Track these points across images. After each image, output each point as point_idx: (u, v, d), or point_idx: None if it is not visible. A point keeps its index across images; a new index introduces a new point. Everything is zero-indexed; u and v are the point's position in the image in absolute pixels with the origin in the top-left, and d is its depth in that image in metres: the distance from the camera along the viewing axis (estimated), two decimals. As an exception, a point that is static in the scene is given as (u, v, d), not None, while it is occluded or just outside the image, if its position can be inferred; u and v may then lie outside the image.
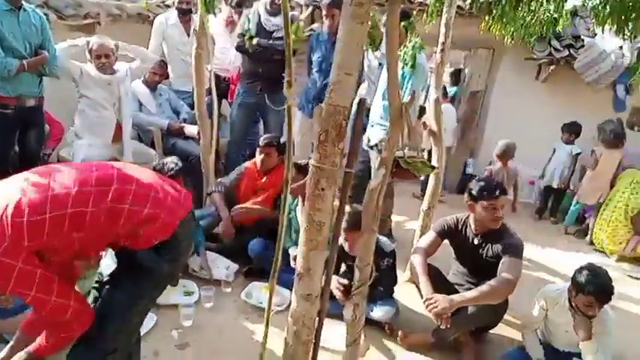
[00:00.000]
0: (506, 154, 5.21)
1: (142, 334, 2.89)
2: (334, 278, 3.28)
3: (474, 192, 3.17)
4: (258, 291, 3.45)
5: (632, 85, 5.43)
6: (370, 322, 3.31)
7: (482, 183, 3.19)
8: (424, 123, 3.87)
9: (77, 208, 1.62)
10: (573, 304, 2.80)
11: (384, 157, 1.44)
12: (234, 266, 3.70)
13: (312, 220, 1.50)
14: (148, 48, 4.89)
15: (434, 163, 3.86)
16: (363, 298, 1.57)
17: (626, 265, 5.03)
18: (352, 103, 1.56)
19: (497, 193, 3.11)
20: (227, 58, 5.64)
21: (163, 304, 3.23)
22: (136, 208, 1.70)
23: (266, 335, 1.55)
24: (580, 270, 2.81)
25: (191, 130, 4.63)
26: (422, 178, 5.48)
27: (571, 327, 2.85)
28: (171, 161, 3.47)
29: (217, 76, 5.53)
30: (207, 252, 3.78)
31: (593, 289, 2.69)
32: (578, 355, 2.88)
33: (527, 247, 4.55)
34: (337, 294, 3.06)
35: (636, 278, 4.78)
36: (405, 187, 6.04)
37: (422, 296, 3.05)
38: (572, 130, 5.86)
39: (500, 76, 6.52)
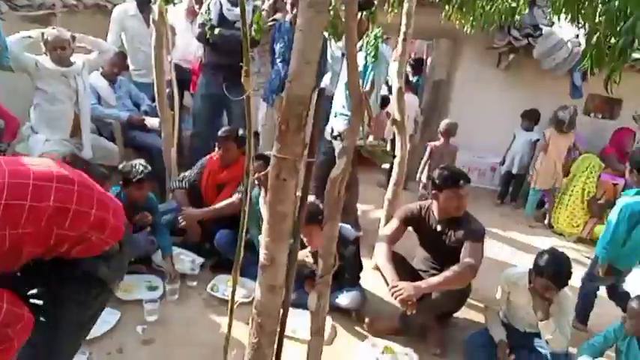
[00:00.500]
0: (448, 132, 5.51)
1: (105, 330, 2.87)
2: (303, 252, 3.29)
3: (437, 181, 3.22)
4: (225, 284, 3.44)
5: (588, 72, 5.59)
6: (337, 310, 3.36)
7: (446, 172, 3.24)
8: (387, 112, 3.90)
9: (13, 200, 1.48)
10: (533, 287, 2.90)
11: (346, 147, 1.44)
12: (200, 259, 3.67)
13: (274, 211, 1.49)
14: (106, 39, 4.76)
15: (397, 151, 3.91)
16: (327, 287, 1.58)
17: (584, 247, 5.21)
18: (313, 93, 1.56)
19: (461, 182, 3.17)
20: (188, 49, 5.56)
21: (127, 299, 3.19)
22: (84, 209, 1.61)
23: (230, 327, 1.54)
24: (541, 254, 2.90)
25: (152, 122, 4.54)
26: (386, 166, 5.55)
27: (532, 308, 2.95)
28: (140, 164, 3.39)
29: (179, 67, 5.44)
30: (173, 247, 3.74)
31: (551, 273, 2.79)
32: (539, 335, 2.99)
33: (489, 232, 4.67)
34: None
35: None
36: (370, 175, 6.09)
37: (387, 283, 3.09)
38: (531, 117, 6.01)
39: (462, 65, 6.62)
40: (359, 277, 3.50)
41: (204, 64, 5.00)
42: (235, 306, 1.72)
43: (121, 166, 3.47)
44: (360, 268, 3.49)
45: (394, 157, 1.43)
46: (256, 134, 5.32)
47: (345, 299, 3.34)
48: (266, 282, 1.55)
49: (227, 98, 4.81)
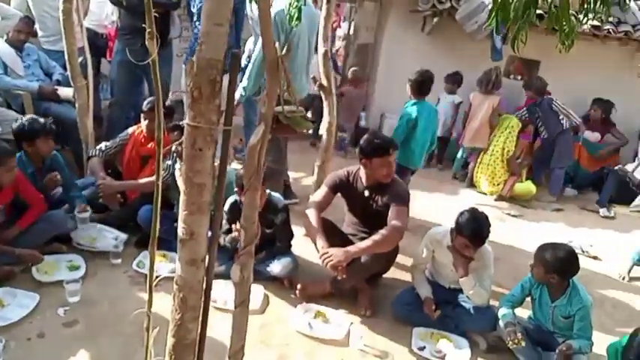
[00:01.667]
0: (356, 78, 6.03)
1: (23, 315, 2.71)
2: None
3: (366, 150, 3.23)
4: (153, 259, 3.32)
5: (508, 35, 5.77)
6: (270, 278, 3.36)
7: (375, 141, 3.25)
8: (314, 77, 3.85)
9: None
10: (453, 246, 3.01)
11: (263, 113, 1.39)
12: (124, 236, 3.52)
13: (191, 183, 1.42)
14: (9, 4, 4.36)
15: (325, 116, 3.89)
16: (250, 257, 1.55)
17: (505, 205, 5.49)
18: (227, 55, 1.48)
19: (390, 150, 3.20)
20: (103, 13, 5.21)
21: (46, 281, 3.02)
22: None
23: (150, 304, 1.48)
24: (462, 214, 3.00)
25: (66, 92, 4.25)
26: (310, 132, 5.57)
27: (453, 265, 3.07)
28: (32, 117, 3.22)
29: (94, 33, 5.10)
30: (94, 223, 3.57)
31: (470, 232, 2.90)
32: (462, 290, 3.13)
33: (416, 194, 4.81)
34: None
35: (513, 216, 5.24)
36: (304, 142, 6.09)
37: (318, 250, 3.11)
38: (453, 80, 6.16)
39: (388, 29, 6.64)
40: (290, 245, 3.49)
41: (120, 29, 4.70)
42: (162, 281, 1.66)
43: (13, 126, 3.29)
44: (291, 235, 3.49)
45: (314, 122, 1.40)
46: (181, 102, 5.11)
47: (276, 267, 3.33)
48: (186, 256, 1.49)
49: (146, 64, 4.56)
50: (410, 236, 3.56)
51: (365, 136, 3.32)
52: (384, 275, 3.55)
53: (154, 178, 3.48)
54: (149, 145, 3.66)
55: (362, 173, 3.35)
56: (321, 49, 3.63)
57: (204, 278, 1.57)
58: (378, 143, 3.21)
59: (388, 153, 3.19)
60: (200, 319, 1.60)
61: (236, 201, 3.28)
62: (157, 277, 1.59)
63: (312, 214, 3.22)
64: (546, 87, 5.82)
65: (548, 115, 5.71)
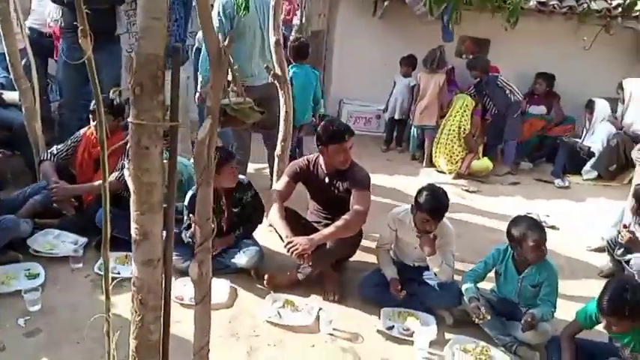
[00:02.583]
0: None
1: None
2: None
3: (322, 137, 3.24)
4: (114, 261, 3.26)
5: (457, 15, 5.85)
6: (236, 271, 3.36)
7: (330, 128, 3.26)
8: (267, 67, 3.82)
9: None
10: (414, 222, 3.07)
11: (209, 106, 1.37)
12: (83, 240, 3.44)
13: (140, 182, 1.40)
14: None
15: (282, 106, 3.87)
16: (208, 253, 1.54)
17: (463, 182, 5.61)
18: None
19: (345, 137, 3.21)
20: (45, 11, 5.01)
21: (4, 292, 2.93)
22: None
23: (108, 308, 1.46)
24: (420, 191, 3.07)
25: (11, 96, 4.10)
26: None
27: (419, 244, 3.13)
28: None
29: (39, 33, 4.92)
30: (51, 230, 3.48)
31: (428, 207, 2.97)
32: (427, 267, 3.20)
33: (377, 177, 4.86)
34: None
35: (472, 192, 5.37)
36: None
37: (282, 240, 3.12)
38: (408, 63, 6.20)
39: (339, 15, 6.63)
40: (262, 219, 3.51)
41: (63, 28, 4.53)
42: (126, 282, 1.63)
43: None
44: (263, 207, 3.49)
45: (262, 113, 1.38)
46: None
47: (242, 259, 3.33)
48: (141, 257, 1.47)
49: (95, 63, 4.43)
50: (373, 218, 3.59)
51: (322, 124, 3.33)
52: (351, 259, 3.60)
53: (110, 179, 3.44)
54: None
55: (321, 160, 3.36)
56: (272, 38, 3.60)
57: (163, 278, 1.55)
58: (334, 130, 3.23)
59: (344, 139, 3.20)
60: (162, 319, 1.59)
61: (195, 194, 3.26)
62: (114, 279, 1.57)
63: (275, 204, 3.23)
64: (489, 64, 5.92)
65: (496, 92, 5.85)
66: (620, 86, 5.88)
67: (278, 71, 3.65)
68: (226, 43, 1.36)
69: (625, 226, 3.67)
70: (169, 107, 1.38)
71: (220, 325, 2.92)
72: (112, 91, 3.57)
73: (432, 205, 2.98)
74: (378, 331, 2.99)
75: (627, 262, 3.66)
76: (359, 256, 3.63)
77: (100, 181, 3.36)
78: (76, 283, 3.15)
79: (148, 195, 1.41)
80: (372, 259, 3.58)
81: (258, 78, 4.06)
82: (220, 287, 3.18)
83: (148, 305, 1.52)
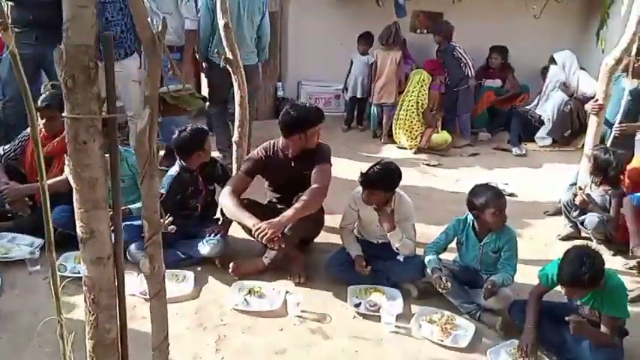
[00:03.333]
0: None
1: None
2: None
3: (299, 124, 3.21)
4: (73, 261, 3.19)
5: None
6: (202, 260, 3.34)
7: (304, 112, 3.25)
8: (218, 52, 3.74)
9: None
10: (364, 200, 3.10)
11: (147, 96, 1.33)
12: (39, 241, 3.33)
13: (81, 178, 1.35)
14: None
15: (235, 91, 3.81)
16: (158, 247, 1.51)
17: (424, 156, 5.67)
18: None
19: (324, 115, 3.27)
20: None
21: (-42, 303, 2.83)
22: None
23: (59, 310, 1.42)
24: (371, 167, 3.09)
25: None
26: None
27: (378, 220, 3.16)
28: None
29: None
30: (4, 233, 3.37)
31: (364, 180, 3.05)
32: (390, 243, 3.24)
33: (340, 156, 4.87)
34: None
35: (433, 165, 5.44)
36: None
37: (247, 231, 3.09)
38: (365, 41, 6.17)
39: (292, -5, 6.55)
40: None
41: (11, 23, 4.32)
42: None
43: None
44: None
45: (204, 99, 1.35)
46: None
47: (205, 248, 3.30)
48: (90, 255, 1.43)
49: (44, 58, 4.26)
50: (337, 198, 3.61)
51: (289, 112, 3.27)
52: (316, 240, 3.61)
53: (62, 177, 3.34)
54: (51, 146, 3.44)
55: (281, 146, 3.33)
56: (220, 22, 3.52)
57: (115, 275, 1.52)
58: (310, 113, 3.25)
59: (323, 118, 3.28)
60: (119, 317, 1.56)
61: (179, 173, 3.35)
62: (67, 278, 1.52)
63: (230, 198, 3.18)
64: (453, 31, 5.92)
65: (451, 62, 5.91)
66: (553, 60, 6.03)
67: (229, 55, 3.57)
68: (160, 29, 1.31)
69: (580, 189, 3.79)
70: (105, 99, 1.33)
71: (187, 317, 2.90)
72: (43, 86, 3.48)
73: (369, 178, 3.04)
74: (346, 309, 3.02)
75: (582, 222, 3.80)
76: (324, 237, 3.64)
77: (54, 179, 3.31)
78: (35, 287, 3.05)
79: (91, 191, 1.36)
80: (337, 239, 3.58)
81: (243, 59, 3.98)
82: (185, 278, 3.16)
83: (101, 304, 1.49)
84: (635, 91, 4.12)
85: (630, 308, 2.83)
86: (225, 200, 3.20)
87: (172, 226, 3.11)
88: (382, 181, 3.07)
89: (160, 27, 1.31)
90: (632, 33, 3.59)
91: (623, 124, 4.15)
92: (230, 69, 3.65)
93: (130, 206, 3.34)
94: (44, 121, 3.38)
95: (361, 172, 3.09)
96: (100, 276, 1.46)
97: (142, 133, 1.32)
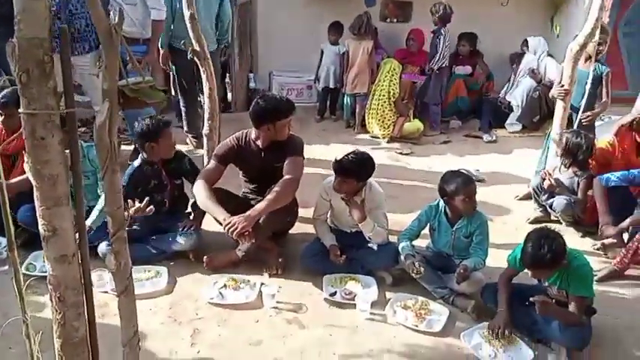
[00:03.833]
0: None
1: None
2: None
3: (268, 115, 3.18)
4: (42, 259, 3.11)
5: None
6: (175, 255, 3.31)
7: (273, 104, 3.22)
8: (184, 44, 3.69)
9: None
10: (334, 188, 3.13)
11: (106, 89, 1.30)
12: (4, 240, 3.25)
13: (41, 175, 1.32)
14: None
15: (204, 83, 3.77)
16: (123, 243, 1.48)
17: (397, 145, 5.70)
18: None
19: (294, 107, 3.22)
20: None
21: None
22: None
23: (23, 309, 1.39)
24: (346, 155, 3.12)
25: None
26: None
27: (348, 210, 3.17)
28: None
29: None
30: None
31: (336, 167, 3.07)
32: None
33: (313, 147, 4.88)
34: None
35: (405, 154, 5.48)
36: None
37: (219, 223, 3.07)
38: (336, 31, 6.15)
39: (262, -15, 6.48)
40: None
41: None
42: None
43: None
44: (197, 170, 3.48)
45: (166, 92, 1.32)
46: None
47: (179, 243, 3.27)
48: (54, 253, 1.40)
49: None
50: (311, 189, 3.61)
51: (259, 103, 3.25)
52: (291, 231, 3.61)
53: (25, 175, 3.25)
54: (13, 143, 3.35)
55: (253, 136, 3.31)
56: (186, 13, 3.47)
57: (81, 272, 1.49)
58: (279, 105, 3.21)
59: (293, 109, 3.24)
60: (87, 314, 1.53)
61: (140, 166, 3.28)
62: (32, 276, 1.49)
63: (203, 189, 3.15)
64: (450, 17, 5.81)
65: (431, 49, 5.93)
66: (526, 43, 6.12)
67: (196, 47, 3.53)
68: (117, 20, 1.28)
69: (548, 173, 3.87)
70: (63, 93, 1.29)
71: (161, 312, 2.87)
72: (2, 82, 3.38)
73: (348, 166, 3.06)
74: (322, 298, 3.03)
75: (551, 206, 3.88)
76: (300, 227, 3.64)
77: (19, 177, 3.22)
78: (2, 287, 2.97)
79: (52, 188, 1.34)
80: (312, 230, 3.58)
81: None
82: (159, 273, 3.13)
83: (67, 302, 1.46)
84: (594, 75, 4.22)
85: (598, 287, 2.94)
86: (198, 190, 3.16)
87: (150, 207, 3.09)
88: (355, 169, 3.08)
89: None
90: (595, 19, 3.66)
91: (589, 113, 4.26)
92: (197, 61, 3.60)
93: (88, 222, 3.09)
94: (2, 118, 3.29)
95: (335, 160, 3.11)
96: (65, 274, 1.44)
97: (102, 127, 1.29)
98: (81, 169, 1.43)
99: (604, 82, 4.35)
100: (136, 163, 3.33)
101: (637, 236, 3.24)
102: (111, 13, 3.80)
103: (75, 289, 1.46)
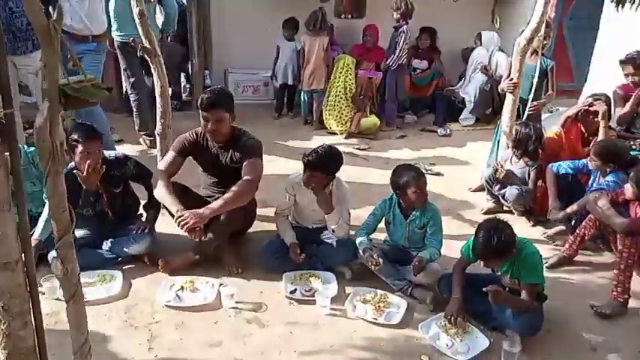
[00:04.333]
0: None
1: None
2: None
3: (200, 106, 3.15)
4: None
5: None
6: (130, 259, 3.24)
7: (202, 94, 3.18)
8: (134, 40, 3.60)
9: None
10: (304, 182, 3.13)
11: (45, 89, 1.25)
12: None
13: (-22, 181, 1.26)
14: None
15: (155, 82, 3.68)
16: (70, 248, 1.43)
17: (354, 140, 5.75)
18: None
19: (204, 105, 3.09)
20: None
21: None
22: None
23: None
24: (315, 149, 3.15)
25: None
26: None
27: (316, 205, 3.19)
28: None
29: None
30: None
31: (306, 161, 3.08)
32: (325, 228, 3.28)
33: (271, 144, 4.85)
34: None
35: (363, 149, 5.52)
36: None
37: (172, 215, 3.01)
38: (291, 27, 6.12)
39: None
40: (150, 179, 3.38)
41: None
42: None
43: None
44: (149, 172, 3.35)
45: (109, 90, 1.26)
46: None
47: (133, 246, 3.19)
48: (-4, 261, 1.34)
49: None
50: (271, 187, 3.60)
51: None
52: (250, 230, 3.58)
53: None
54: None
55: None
56: (135, 9, 3.37)
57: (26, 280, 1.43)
58: (202, 97, 3.14)
59: (202, 108, 3.10)
60: (34, 323, 1.47)
61: (69, 171, 2.98)
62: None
63: (160, 180, 3.10)
64: (411, 13, 5.83)
65: (390, 46, 5.99)
66: (479, 37, 6.29)
67: (146, 44, 3.44)
68: (55, 17, 1.23)
69: (500, 165, 3.98)
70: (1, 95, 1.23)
71: (117, 317, 2.80)
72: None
73: (315, 160, 3.07)
74: (282, 296, 3.02)
75: (503, 196, 4.00)
76: (260, 226, 3.62)
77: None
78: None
79: (-9, 194, 1.27)
80: (271, 228, 3.58)
81: None
82: (113, 278, 3.05)
83: (12, 311, 1.40)
84: (540, 68, 4.37)
85: (548, 274, 3.05)
86: (159, 181, 3.11)
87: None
88: (325, 163, 3.11)
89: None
90: (541, 14, 3.78)
91: (535, 103, 4.41)
92: (148, 58, 3.51)
93: (35, 235, 2.94)
94: None
95: (305, 153, 3.11)
96: (9, 282, 1.38)
97: (42, 128, 1.24)
98: (22, 172, 1.36)
99: (549, 75, 4.52)
100: (71, 164, 3.05)
101: (583, 223, 3.38)
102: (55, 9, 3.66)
103: (20, 297, 1.40)
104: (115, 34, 4.73)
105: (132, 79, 4.96)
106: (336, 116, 5.80)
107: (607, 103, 3.95)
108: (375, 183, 4.57)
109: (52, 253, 3.04)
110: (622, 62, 4.29)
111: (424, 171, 4.54)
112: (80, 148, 2.94)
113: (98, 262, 3.15)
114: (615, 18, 4.57)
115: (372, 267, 3.00)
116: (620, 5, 3.77)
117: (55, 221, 1.37)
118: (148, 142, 5.08)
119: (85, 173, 2.92)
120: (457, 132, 6.13)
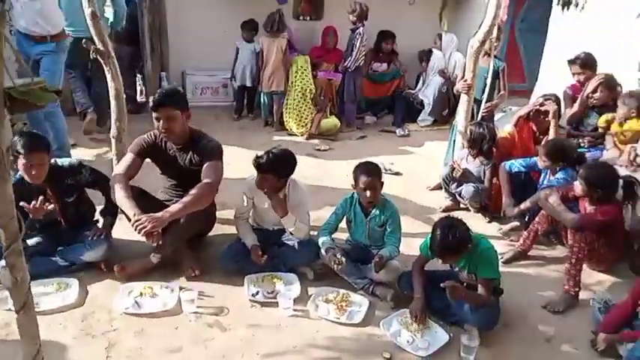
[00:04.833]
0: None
1: None
2: None
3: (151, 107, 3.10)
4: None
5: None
6: (85, 266, 3.15)
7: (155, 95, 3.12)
8: (86, 42, 3.49)
9: None
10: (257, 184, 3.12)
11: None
12: None
13: None
14: None
15: (109, 82, 3.59)
16: (19, 256, 1.38)
17: (315, 141, 5.77)
18: None
19: (154, 105, 3.06)
20: None
21: None
22: None
23: None
24: (267, 152, 3.13)
25: None
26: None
27: (271, 205, 3.17)
28: None
29: None
30: None
31: (255, 164, 3.08)
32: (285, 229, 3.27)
33: (232, 147, 4.80)
34: None
35: (324, 150, 5.54)
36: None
37: (128, 219, 2.95)
38: (250, 28, 6.09)
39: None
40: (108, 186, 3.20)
41: None
42: None
43: None
44: (106, 178, 3.24)
45: (59, 93, 1.22)
46: None
47: (88, 253, 3.11)
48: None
49: None
50: (231, 189, 3.56)
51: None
52: (210, 233, 3.53)
53: None
54: None
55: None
56: (87, 10, 3.28)
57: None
58: (154, 96, 3.10)
59: (153, 109, 3.07)
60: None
61: (17, 180, 2.90)
62: None
63: (119, 183, 3.01)
64: (367, 15, 5.90)
65: (348, 48, 6.03)
66: (440, 37, 6.43)
67: (100, 46, 3.35)
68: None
69: (457, 163, 4.07)
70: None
71: (73, 326, 2.72)
72: None
73: (260, 162, 3.07)
74: (244, 299, 3.00)
75: (460, 194, 4.09)
76: (220, 229, 3.59)
77: None
78: None
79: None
80: (232, 230, 3.54)
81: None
82: (68, 286, 2.96)
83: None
84: (492, 70, 4.50)
85: (504, 269, 3.14)
86: (115, 183, 3.03)
87: (47, 204, 2.87)
88: (275, 166, 3.08)
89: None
90: (492, 17, 3.89)
91: (488, 104, 4.55)
92: (101, 60, 3.42)
93: None
94: None
95: (255, 156, 3.09)
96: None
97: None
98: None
99: (501, 76, 4.67)
100: (19, 173, 2.94)
101: (536, 219, 3.50)
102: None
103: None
104: (68, 30, 4.57)
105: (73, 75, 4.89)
106: (296, 118, 5.80)
107: (557, 103, 4.11)
108: (336, 183, 4.60)
109: (1, 262, 2.93)
110: (569, 62, 4.49)
111: (384, 171, 4.65)
112: (23, 160, 2.83)
113: (52, 270, 3.05)
114: (563, 19, 4.74)
115: (335, 266, 3.02)
116: (566, 7, 3.91)
117: (2, 229, 1.32)
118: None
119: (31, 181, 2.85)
120: (415, 132, 6.24)
